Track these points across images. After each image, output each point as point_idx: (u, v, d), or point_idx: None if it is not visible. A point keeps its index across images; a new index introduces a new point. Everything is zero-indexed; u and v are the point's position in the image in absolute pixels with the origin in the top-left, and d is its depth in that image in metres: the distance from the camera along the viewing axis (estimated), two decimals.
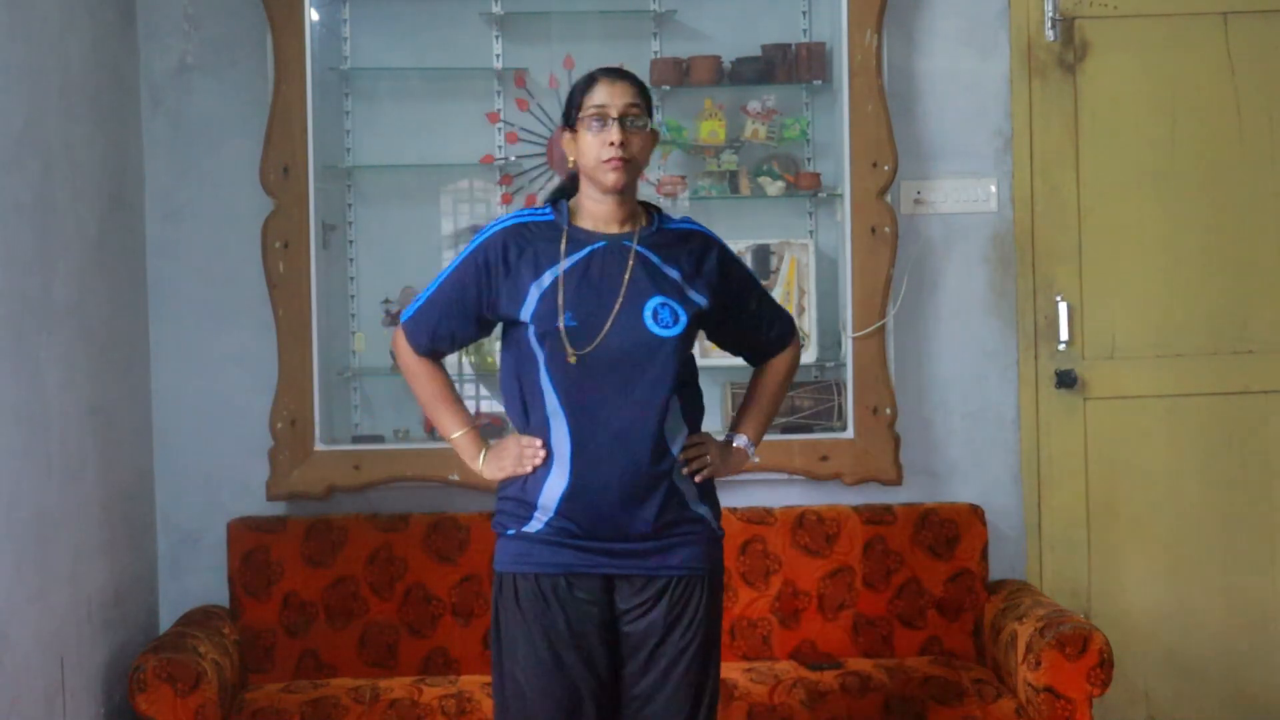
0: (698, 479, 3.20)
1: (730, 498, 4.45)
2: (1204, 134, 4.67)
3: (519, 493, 3.18)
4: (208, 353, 4.55)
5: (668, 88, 4.63)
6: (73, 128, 3.93)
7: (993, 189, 4.66)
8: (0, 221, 3.43)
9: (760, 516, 4.47)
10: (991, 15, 4.65)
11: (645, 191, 4.66)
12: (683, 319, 3.13)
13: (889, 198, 4.52)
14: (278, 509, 4.49)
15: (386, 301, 4.65)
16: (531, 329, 3.12)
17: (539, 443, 3.14)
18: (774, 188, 4.63)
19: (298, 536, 4.39)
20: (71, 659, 3.76)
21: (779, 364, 3.41)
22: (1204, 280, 4.68)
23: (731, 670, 4.23)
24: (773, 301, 3.41)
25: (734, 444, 3.36)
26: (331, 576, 4.38)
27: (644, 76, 4.57)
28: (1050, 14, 4.63)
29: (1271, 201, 4.68)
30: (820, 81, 4.62)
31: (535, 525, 3.15)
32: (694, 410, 3.24)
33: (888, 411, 4.51)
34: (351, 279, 4.69)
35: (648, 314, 3.11)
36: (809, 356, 4.61)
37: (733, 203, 4.68)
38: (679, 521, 3.17)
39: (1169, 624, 4.67)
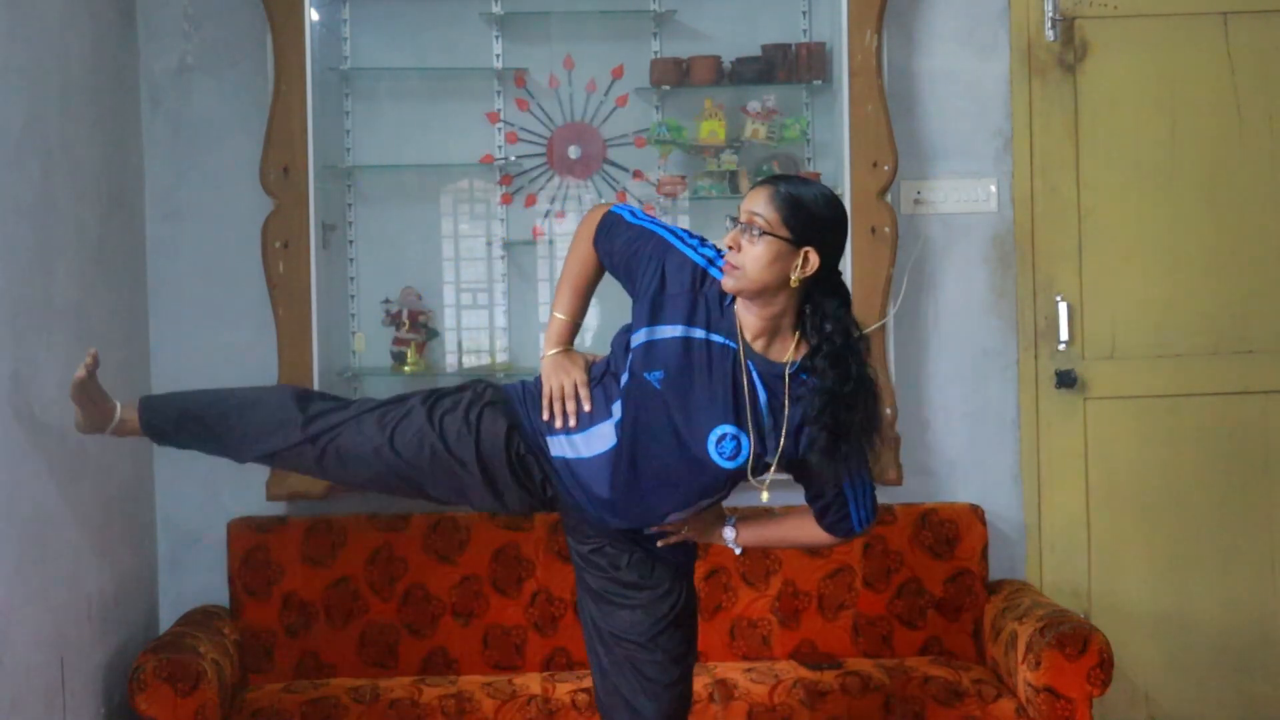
0: (660, 544, 3.28)
1: (730, 498, 4.45)
2: (1204, 134, 4.67)
3: (565, 429, 3.19)
4: (208, 353, 4.55)
5: (668, 88, 4.63)
6: (73, 128, 3.93)
7: (993, 189, 4.66)
8: (0, 221, 3.43)
9: (760, 517, 4.45)
10: (991, 15, 4.65)
11: (645, 191, 4.67)
12: (744, 453, 3.08)
13: (889, 198, 4.52)
14: (278, 509, 4.49)
15: (386, 301, 4.65)
16: (627, 360, 3.11)
17: (588, 406, 3.15)
18: None
19: (298, 536, 4.39)
20: (71, 659, 3.75)
21: (816, 534, 3.28)
22: (1204, 280, 4.68)
23: (732, 670, 4.24)
24: (859, 501, 3.19)
25: (724, 531, 3.36)
26: (331, 576, 4.38)
27: (644, 77, 4.61)
28: (1050, 14, 4.63)
29: (1271, 201, 4.68)
30: (820, 81, 4.62)
31: (554, 436, 3.19)
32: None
33: (888, 411, 4.50)
34: (351, 279, 4.69)
35: (713, 439, 3.07)
36: None
37: (733, 203, 4.64)
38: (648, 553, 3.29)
39: (1169, 624, 4.67)
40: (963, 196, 4.66)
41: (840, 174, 4.54)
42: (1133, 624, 4.63)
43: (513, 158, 4.67)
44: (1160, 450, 4.67)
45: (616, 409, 3.13)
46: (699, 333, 3.06)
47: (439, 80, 4.71)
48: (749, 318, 3.04)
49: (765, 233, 2.96)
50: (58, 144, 3.80)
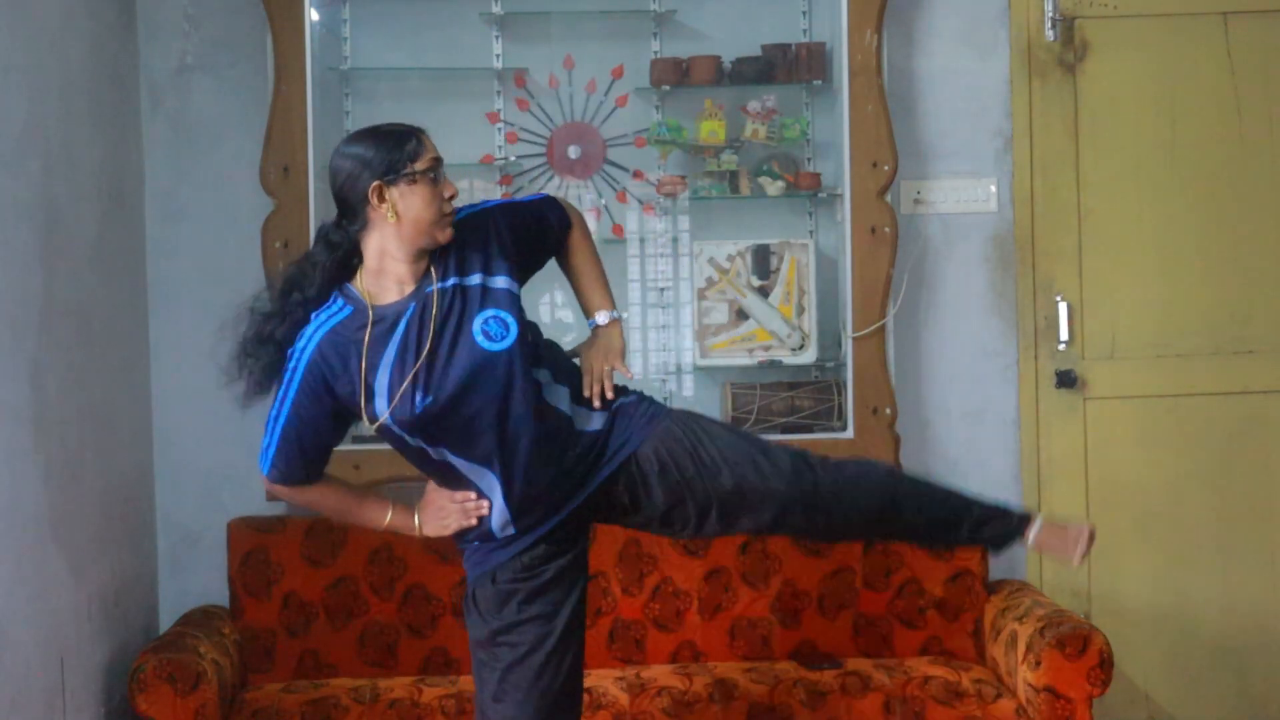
0: (609, 394, 3.22)
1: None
2: (1204, 134, 4.67)
3: (477, 535, 3.22)
4: (208, 353, 4.54)
5: (668, 88, 4.63)
6: (73, 128, 3.93)
7: (993, 189, 4.66)
8: (0, 221, 3.43)
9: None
10: (991, 15, 4.65)
11: (645, 191, 4.67)
12: (512, 325, 3.09)
13: (889, 198, 4.51)
14: (278, 509, 4.48)
15: None
16: (396, 418, 3.10)
17: (473, 495, 3.18)
18: (774, 188, 4.63)
19: (298, 536, 4.39)
20: (71, 659, 3.75)
21: (577, 242, 3.33)
22: (1204, 280, 4.68)
23: (731, 670, 4.24)
24: (529, 201, 3.31)
25: (600, 324, 3.32)
26: (331, 576, 4.38)
27: (644, 77, 4.62)
28: (1050, 14, 4.63)
29: (1271, 201, 4.68)
30: (820, 81, 4.62)
31: (496, 536, 3.21)
32: (559, 368, 3.22)
33: (888, 411, 4.50)
34: None
35: (479, 337, 3.07)
36: (808, 356, 4.61)
37: (733, 203, 4.68)
38: (593, 452, 3.20)
39: (1169, 624, 4.67)
40: (963, 196, 4.66)
41: (840, 174, 4.54)
42: (1133, 624, 4.63)
43: (513, 158, 4.67)
44: (1160, 450, 4.67)
45: (460, 466, 3.15)
46: (388, 353, 3.09)
47: (439, 80, 4.71)
48: (412, 267, 3.09)
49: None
50: (58, 144, 3.81)
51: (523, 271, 3.22)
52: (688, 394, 4.69)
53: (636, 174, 4.69)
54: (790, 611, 4.44)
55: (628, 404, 3.26)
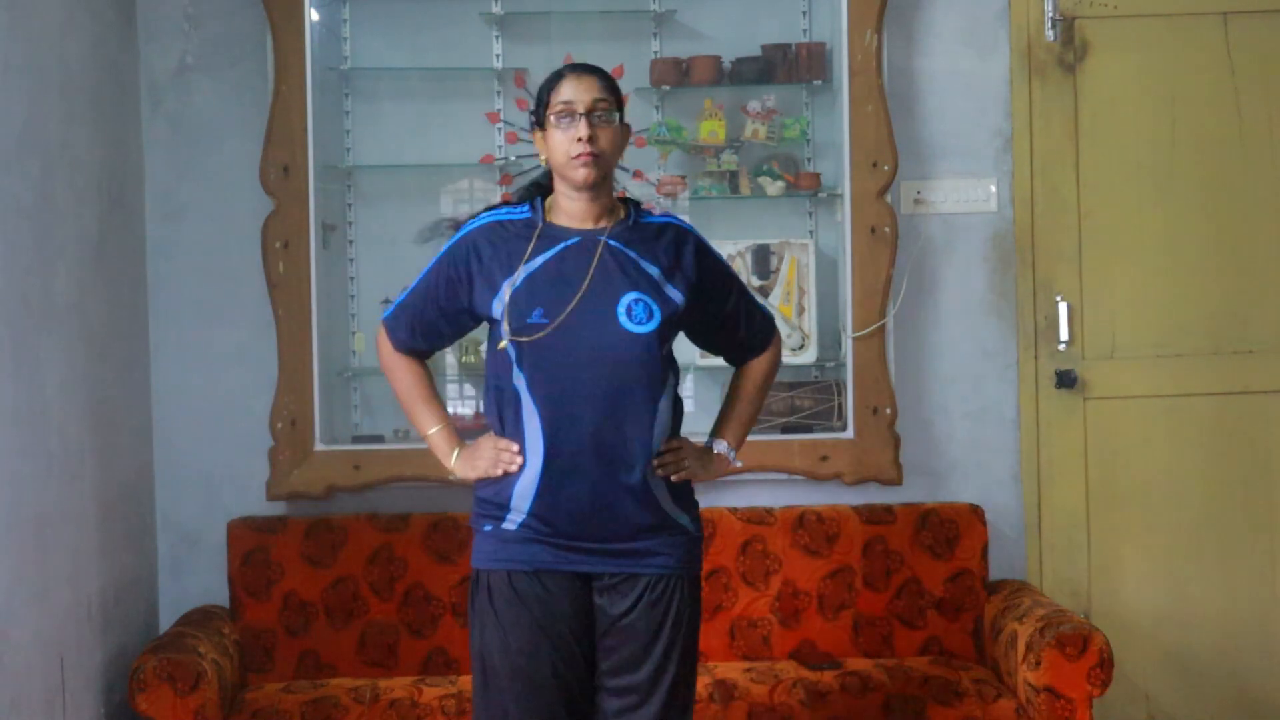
0: (674, 479, 3.17)
1: (730, 497, 4.46)
2: (1204, 134, 4.67)
3: (493, 494, 3.16)
4: (208, 353, 4.55)
5: (668, 88, 4.63)
6: (73, 128, 3.93)
7: (993, 189, 4.66)
8: (0, 221, 3.43)
9: (760, 516, 4.47)
10: (991, 15, 4.65)
11: (645, 191, 4.66)
12: (657, 315, 3.09)
13: (889, 198, 4.52)
14: (278, 509, 4.49)
15: (386, 301, 4.62)
16: (503, 326, 3.10)
17: (515, 447, 3.11)
18: (774, 188, 4.63)
19: (298, 537, 4.39)
20: (71, 659, 3.76)
21: (758, 366, 3.36)
22: (1204, 280, 4.68)
23: (731, 670, 4.24)
24: (753, 300, 3.35)
25: (714, 450, 3.31)
26: (331, 576, 4.38)
27: (644, 77, 4.60)
28: (1050, 14, 4.63)
29: (1271, 201, 4.68)
30: (820, 81, 4.62)
31: (509, 524, 3.14)
32: (674, 414, 3.20)
33: (888, 411, 4.51)
34: (351, 279, 4.69)
35: (621, 310, 3.08)
36: (808, 356, 4.62)
37: (733, 203, 4.68)
38: (656, 528, 3.15)
39: (1169, 624, 4.67)
40: (963, 196, 4.66)
41: (840, 174, 4.54)
42: (1133, 624, 4.63)
43: (513, 158, 4.67)
44: (1160, 450, 4.67)
45: (523, 401, 3.09)
46: (539, 259, 3.11)
47: (439, 80, 4.71)
48: (590, 207, 3.14)
49: (615, 116, 3.13)
50: (58, 144, 3.81)
51: (690, 314, 3.19)
52: (688, 394, 4.70)
53: (636, 174, 4.68)
54: (790, 611, 4.44)
55: (695, 536, 3.24)
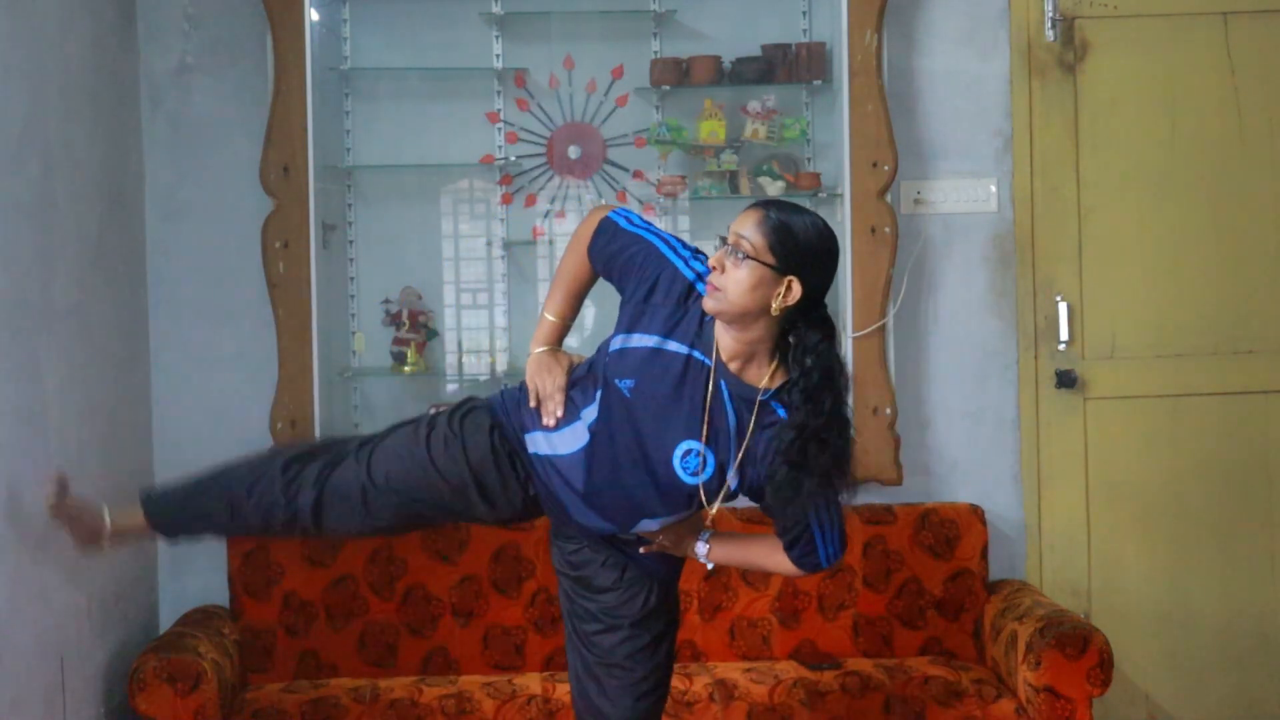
0: (643, 550, 3.24)
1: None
2: (1204, 134, 4.67)
3: (534, 417, 3.17)
4: (208, 353, 4.55)
5: (668, 88, 4.63)
6: (73, 128, 3.93)
7: (993, 189, 4.66)
8: (0, 221, 3.43)
9: (760, 517, 4.44)
10: (991, 15, 4.65)
11: (645, 191, 4.67)
12: (709, 470, 3.04)
13: (889, 198, 4.52)
14: None
15: (386, 301, 4.65)
16: (608, 347, 3.09)
17: (561, 411, 3.12)
18: (774, 188, 4.63)
19: None
20: (71, 659, 3.75)
21: (781, 559, 3.21)
22: (1204, 280, 4.68)
23: (731, 670, 4.24)
24: (831, 524, 3.13)
25: (698, 542, 3.25)
26: (331, 576, 4.38)
27: (644, 77, 4.61)
28: (1050, 14, 4.63)
29: (1271, 201, 4.68)
30: (820, 81, 4.62)
31: (531, 435, 3.17)
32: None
33: (888, 411, 4.50)
34: (351, 279, 4.69)
35: (679, 453, 3.04)
36: None
37: (733, 203, 4.67)
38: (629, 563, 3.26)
39: (1169, 624, 4.67)
40: (963, 196, 4.66)
41: (840, 174, 4.54)
42: (1133, 624, 4.63)
43: (513, 158, 4.67)
44: (1160, 450, 4.67)
45: (592, 411, 3.10)
46: (674, 345, 3.03)
47: (439, 80, 4.71)
48: (726, 339, 3.00)
49: (749, 257, 2.91)
50: (58, 144, 3.81)
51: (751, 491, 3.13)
52: None
53: (636, 174, 4.69)
54: (790, 611, 4.44)
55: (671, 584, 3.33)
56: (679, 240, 3.14)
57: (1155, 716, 4.67)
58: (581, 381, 3.16)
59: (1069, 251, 4.66)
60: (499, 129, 4.68)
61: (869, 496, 4.54)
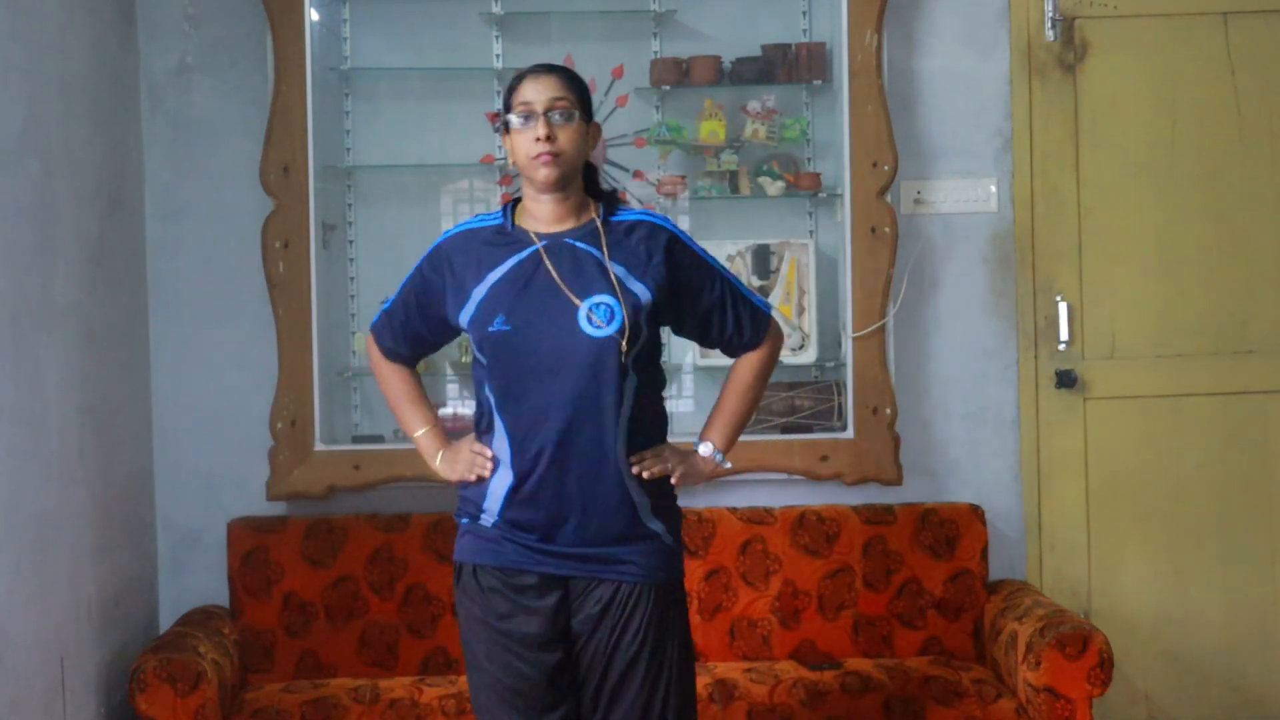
0: (645, 476, 3.11)
1: (730, 498, 4.46)
2: (1204, 134, 4.67)
3: (472, 493, 3.19)
4: (208, 353, 4.55)
5: (668, 88, 4.63)
6: (73, 128, 3.93)
7: (993, 189, 4.66)
8: (0, 221, 3.43)
9: (760, 516, 4.47)
10: (991, 15, 4.65)
11: (645, 191, 4.66)
12: (619, 316, 3.05)
13: (889, 198, 4.52)
14: (278, 509, 4.49)
15: (384, 303, 4.65)
16: (471, 335, 3.13)
17: (489, 452, 3.14)
18: (774, 188, 4.63)
19: (298, 536, 4.39)
20: (71, 659, 3.76)
21: (747, 362, 3.29)
22: (1204, 280, 4.68)
23: (731, 670, 4.24)
24: (741, 292, 3.26)
25: (699, 451, 3.26)
26: (331, 576, 4.38)
27: (644, 77, 4.60)
28: (1050, 14, 4.63)
29: (1271, 201, 4.68)
30: (820, 81, 4.62)
31: (485, 521, 3.16)
32: (651, 420, 3.15)
33: (888, 411, 4.50)
34: (351, 279, 4.69)
35: (582, 314, 3.06)
36: (808, 356, 4.61)
37: (733, 203, 4.68)
38: (628, 536, 3.12)
39: (1169, 624, 4.67)
40: (963, 196, 4.66)
41: (840, 174, 4.54)
42: (1133, 624, 4.63)
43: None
44: (1160, 450, 4.67)
45: (493, 407, 3.11)
46: (503, 266, 3.11)
47: (439, 80, 4.71)
48: (548, 209, 3.13)
49: (575, 114, 3.10)
50: (58, 144, 3.81)
51: (666, 311, 3.17)
52: (688, 394, 4.70)
53: (636, 174, 4.68)
54: (790, 611, 4.44)
55: (671, 545, 3.18)
56: (413, 268, 3.27)
57: (1155, 716, 4.66)
58: (476, 415, 3.19)
59: (1069, 251, 4.66)
60: (499, 129, 4.67)
61: (869, 496, 4.54)
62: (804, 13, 4.71)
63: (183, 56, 4.55)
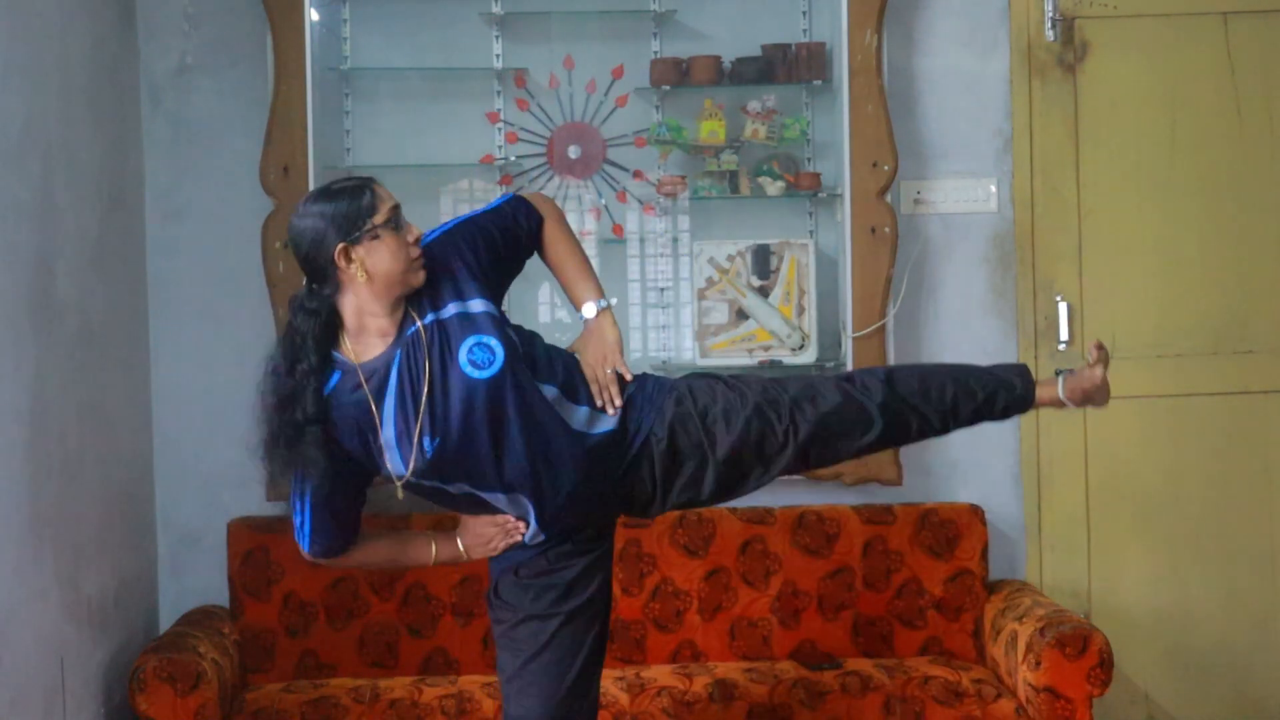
0: (618, 401, 3.17)
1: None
2: (1204, 134, 4.67)
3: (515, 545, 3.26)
4: (208, 353, 4.55)
5: (668, 88, 4.63)
6: (73, 128, 3.93)
7: (993, 189, 4.66)
8: (0, 221, 3.43)
9: (760, 516, 4.47)
10: (991, 15, 4.65)
11: (645, 191, 4.67)
12: (498, 348, 3.05)
13: (889, 198, 4.52)
14: (278, 509, 4.48)
15: None
16: (424, 479, 3.11)
17: (509, 517, 3.19)
18: (774, 188, 4.63)
19: None
20: (71, 659, 3.75)
21: (550, 232, 3.26)
22: (1204, 280, 4.68)
23: (731, 670, 4.24)
24: (488, 212, 3.22)
25: (587, 317, 3.25)
26: (331, 576, 4.38)
27: (644, 77, 4.62)
28: (1050, 14, 4.63)
29: (1271, 201, 4.68)
30: (820, 81, 4.62)
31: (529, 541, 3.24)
32: (565, 377, 3.16)
33: None
34: None
35: (466, 368, 3.04)
36: (808, 356, 4.61)
37: (733, 203, 4.68)
38: (613, 445, 3.17)
39: (1169, 624, 4.67)
40: (963, 196, 4.66)
41: (840, 174, 4.54)
42: (1133, 624, 4.63)
43: (513, 158, 4.67)
44: (1160, 450, 4.67)
45: (491, 499, 3.17)
46: (385, 406, 3.07)
47: (439, 80, 4.71)
48: (391, 314, 3.07)
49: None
50: (58, 144, 3.81)
51: (498, 284, 3.19)
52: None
53: (636, 174, 4.69)
54: (790, 611, 4.44)
55: (633, 394, 3.22)
56: (302, 476, 3.13)
57: (1155, 716, 4.67)
58: (469, 503, 3.21)
59: (1069, 251, 4.66)
60: (499, 129, 4.68)
61: (869, 496, 4.54)
62: (804, 13, 4.71)
63: (183, 56, 4.55)
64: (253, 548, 4.38)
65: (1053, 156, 4.66)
